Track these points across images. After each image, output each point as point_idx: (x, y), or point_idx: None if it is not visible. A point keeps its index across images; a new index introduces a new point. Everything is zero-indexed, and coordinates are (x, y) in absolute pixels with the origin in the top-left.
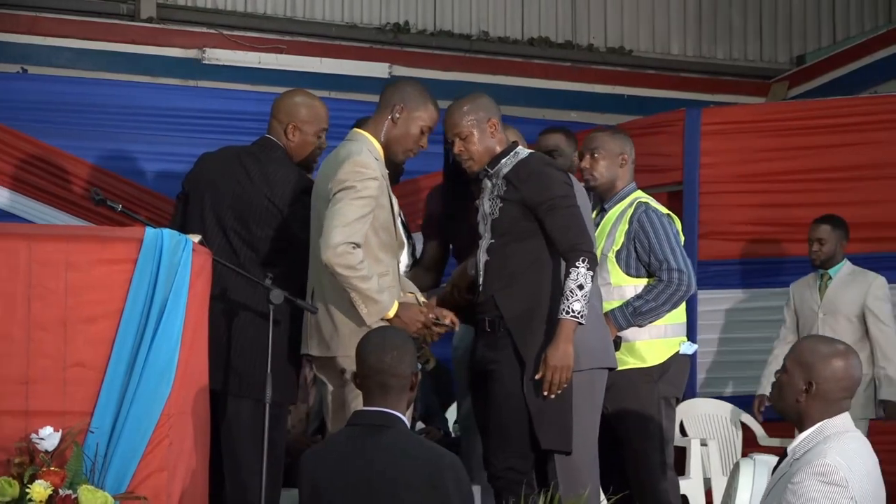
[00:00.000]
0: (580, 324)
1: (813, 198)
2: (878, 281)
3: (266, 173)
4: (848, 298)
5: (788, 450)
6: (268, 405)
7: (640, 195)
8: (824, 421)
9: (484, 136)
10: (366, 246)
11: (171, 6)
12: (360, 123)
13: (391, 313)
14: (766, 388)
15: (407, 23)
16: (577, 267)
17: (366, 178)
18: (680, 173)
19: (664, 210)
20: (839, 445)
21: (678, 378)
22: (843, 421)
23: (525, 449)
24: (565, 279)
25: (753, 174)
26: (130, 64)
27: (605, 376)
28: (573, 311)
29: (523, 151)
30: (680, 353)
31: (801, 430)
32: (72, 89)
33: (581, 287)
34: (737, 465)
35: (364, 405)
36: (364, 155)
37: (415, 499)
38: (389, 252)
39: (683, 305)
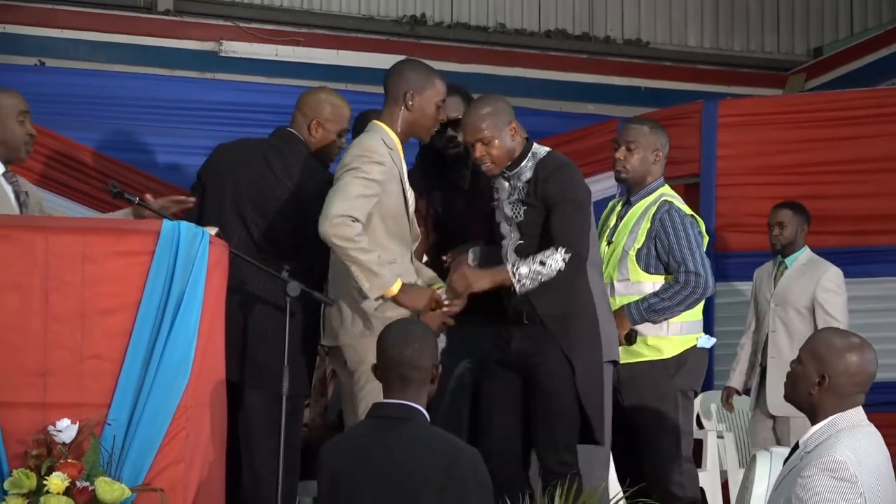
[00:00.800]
0: (514, 285)
1: (830, 190)
2: (829, 272)
3: (288, 166)
4: (798, 289)
5: (800, 442)
6: (284, 397)
7: (666, 191)
8: (837, 415)
9: (505, 140)
10: (371, 232)
11: None
12: (364, 115)
13: (395, 289)
14: (735, 381)
15: (424, 15)
16: (557, 252)
17: (371, 161)
18: (697, 165)
19: (688, 210)
20: (850, 440)
21: (696, 371)
22: (857, 415)
23: (574, 442)
24: (540, 250)
25: (770, 166)
26: (147, 56)
27: (611, 370)
28: (517, 271)
29: (540, 150)
30: (697, 346)
31: (813, 423)
32: (89, 82)
33: (542, 263)
34: (753, 458)
35: (384, 397)
36: (373, 141)
37: (433, 491)
38: (398, 241)
39: (701, 304)
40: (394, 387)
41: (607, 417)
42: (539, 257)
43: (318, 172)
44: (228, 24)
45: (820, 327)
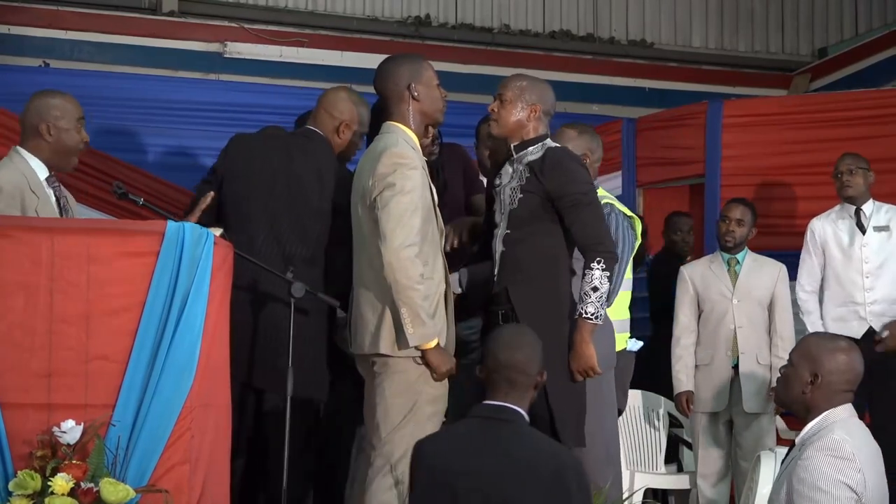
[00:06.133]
0: (596, 324)
1: (835, 190)
2: (784, 269)
3: (318, 168)
4: (760, 284)
5: (797, 441)
6: (289, 398)
7: (603, 194)
8: (829, 411)
9: (519, 112)
10: None
11: (192, 0)
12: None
13: (432, 344)
14: (687, 385)
15: (428, 16)
16: (592, 269)
17: (407, 170)
18: (702, 166)
19: (627, 212)
20: (845, 427)
21: (625, 374)
22: (847, 411)
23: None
24: (581, 280)
25: (775, 167)
26: (152, 57)
27: (612, 374)
28: (587, 314)
29: (551, 143)
30: (627, 349)
31: (807, 422)
32: (93, 83)
33: (595, 289)
34: (758, 459)
35: (488, 399)
36: (400, 146)
37: (539, 493)
38: (430, 242)
39: (627, 302)
40: (499, 389)
41: (607, 421)
42: (587, 288)
43: (344, 176)
44: (233, 25)
45: (778, 321)
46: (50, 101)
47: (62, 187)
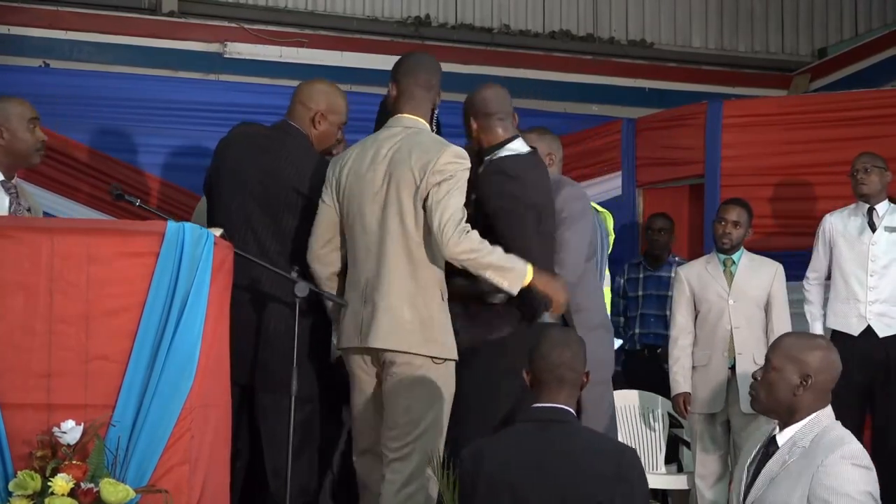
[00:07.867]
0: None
1: (835, 191)
2: (780, 268)
3: (294, 161)
4: (756, 284)
5: (779, 439)
6: (293, 398)
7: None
8: (817, 412)
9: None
10: None
11: (192, 0)
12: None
13: (530, 273)
14: (684, 386)
15: (428, 16)
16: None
17: (464, 169)
18: (701, 166)
19: (599, 208)
20: (847, 433)
21: None
22: (831, 412)
23: None
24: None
25: (775, 167)
26: (152, 57)
27: (609, 375)
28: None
29: (502, 151)
30: None
31: (789, 423)
32: (93, 83)
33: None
34: None
35: (537, 401)
36: (452, 145)
37: (606, 489)
38: None
39: (608, 301)
40: (550, 389)
41: (610, 419)
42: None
43: (322, 166)
44: (233, 25)
45: (774, 321)
46: (1, 106)
47: (26, 195)
